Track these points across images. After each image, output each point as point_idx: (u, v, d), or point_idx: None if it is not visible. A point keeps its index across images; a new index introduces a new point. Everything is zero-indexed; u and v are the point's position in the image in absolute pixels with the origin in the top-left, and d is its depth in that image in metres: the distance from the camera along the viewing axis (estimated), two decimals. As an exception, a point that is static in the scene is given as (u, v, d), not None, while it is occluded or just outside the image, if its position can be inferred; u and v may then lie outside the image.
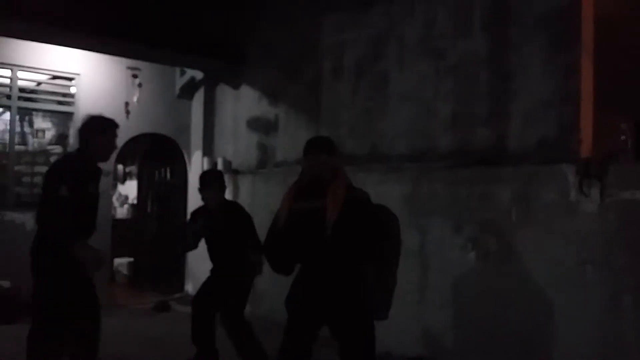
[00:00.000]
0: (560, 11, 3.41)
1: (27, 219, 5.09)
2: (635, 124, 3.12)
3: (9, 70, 5.57)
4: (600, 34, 3.27)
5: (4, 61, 5.49)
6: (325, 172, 2.57)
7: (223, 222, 3.67)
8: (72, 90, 5.97)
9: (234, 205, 3.93)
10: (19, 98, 5.67)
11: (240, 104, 6.14)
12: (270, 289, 3.66)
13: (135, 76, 6.11)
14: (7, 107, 5.69)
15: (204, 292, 3.77)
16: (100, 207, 6.20)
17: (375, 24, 4.56)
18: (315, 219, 2.48)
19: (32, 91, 5.87)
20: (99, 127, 3.07)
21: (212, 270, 3.86)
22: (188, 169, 6.77)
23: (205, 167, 6.38)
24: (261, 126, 5.81)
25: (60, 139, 6.08)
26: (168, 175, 7.11)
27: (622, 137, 3.12)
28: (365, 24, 4.65)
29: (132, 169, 9.04)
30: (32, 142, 5.95)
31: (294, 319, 2.61)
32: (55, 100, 5.96)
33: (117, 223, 7.22)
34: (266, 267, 2.85)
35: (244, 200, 5.35)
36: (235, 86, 6.20)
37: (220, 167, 6.13)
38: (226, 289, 3.68)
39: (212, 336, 3.71)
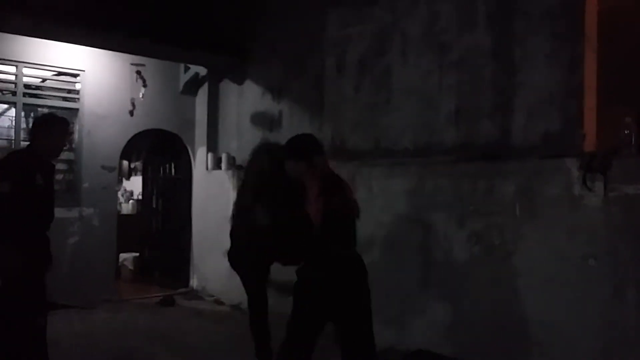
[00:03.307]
0: (564, 4, 3.40)
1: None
2: (639, 117, 3.11)
3: (14, 67, 5.59)
4: (604, 28, 3.26)
5: (9, 58, 5.51)
6: (333, 171, 2.71)
7: None
8: (77, 86, 6.00)
9: None
10: (24, 94, 5.69)
11: (244, 99, 6.15)
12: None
13: (139, 72, 6.12)
14: (13, 104, 5.73)
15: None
16: (105, 203, 6.32)
17: (379, 19, 4.56)
18: (348, 215, 2.66)
19: (37, 87, 5.90)
20: (47, 124, 3.23)
21: None
22: (192, 164, 6.80)
23: (210, 162, 6.41)
24: (265, 122, 5.83)
25: (66, 135, 6.12)
26: (173, 170, 7.15)
27: (626, 131, 3.10)
28: (369, 19, 4.64)
29: (137, 164, 9.08)
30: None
31: (308, 314, 2.59)
32: (60, 96, 5.99)
33: (123, 218, 7.28)
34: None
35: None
36: (239, 82, 6.21)
37: (224, 162, 6.16)
38: None
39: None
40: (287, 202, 2.74)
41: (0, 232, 2.95)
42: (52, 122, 3.24)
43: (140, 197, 8.24)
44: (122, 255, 7.21)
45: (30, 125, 5.91)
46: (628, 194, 2.96)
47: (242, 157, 6.08)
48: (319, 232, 2.53)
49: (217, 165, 6.35)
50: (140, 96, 6.12)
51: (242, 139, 6.17)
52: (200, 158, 6.64)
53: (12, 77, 5.63)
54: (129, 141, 6.34)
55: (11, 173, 3.00)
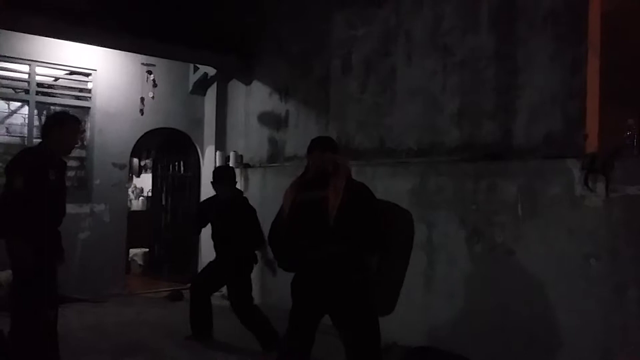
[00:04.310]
0: (567, 7, 3.43)
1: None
2: (641, 119, 3.12)
3: (28, 66, 5.71)
4: (606, 30, 3.27)
5: (23, 57, 5.63)
6: (327, 168, 2.68)
7: (231, 211, 4.12)
8: (89, 85, 6.11)
9: (242, 198, 4.33)
10: (37, 93, 5.80)
11: (252, 99, 6.23)
12: (279, 278, 3.76)
13: (150, 72, 6.23)
14: (26, 102, 5.84)
15: (203, 276, 4.38)
16: (116, 199, 6.43)
17: (384, 21, 4.61)
18: (318, 210, 2.57)
19: (50, 86, 6.01)
20: (59, 122, 3.28)
21: (216, 256, 4.31)
22: (201, 162, 6.90)
23: (218, 160, 6.50)
24: (272, 121, 5.90)
25: (77, 133, 6.24)
26: (182, 168, 7.25)
27: (627, 133, 3.12)
28: (375, 20, 4.69)
29: (147, 162, 9.21)
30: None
31: (298, 308, 2.71)
32: (72, 95, 6.10)
33: (133, 215, 7.39)
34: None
35: (254, 194, 5.46)
36: (247, 82, 6.30)
37: (232, 161, 6.24)
38: (226, 274, 4.17)
39: (209, 317, 4.32)
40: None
41: (14, 227, 3.03)
42: (63, 121, 3.31)
43: (150, 194, 8.36)
44: (132, 251, 7.33)
45: (43, 123, 6.06)
46: (629, 194, 2.98)
47: (250, 156, 6.18)
48: (287, 224, 2.63)
49: (225, 163, 6.43)
50: (150, 95, 6.22)
51: (249, 138, 6.25)
52: (209, 156, 6.73)
53: (26, 76, 5.74)
54: (139, 139, 6.45)
55: (25, 170, 3.08)
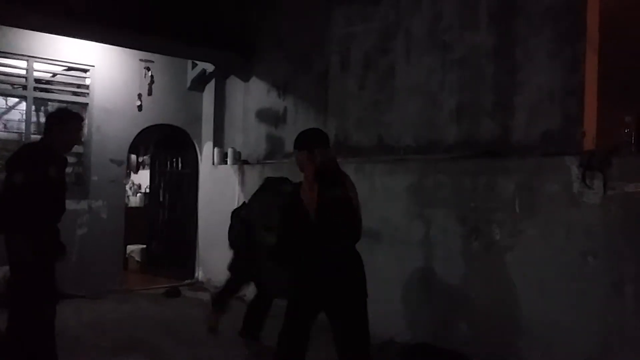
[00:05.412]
0: (567, 5, 3.43)
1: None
2: (639, 117, 3.13)
3: (25, 62, 5.69)
4: (605, 28, 3.28)
5: (21, 52, 5.61)
6: (333, 165, 2.75)
7: None
8: (87, 81, 6.09)
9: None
10: (35, 89, 5.79)
11: (250, 96, 6.22)
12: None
13: (148, 68, 6.21)
14: (23, 98, 5.82)
15: None
16: (114, 196, 6.43)
17: (383, 18, 4.60)
18: (340, 207, 2.66)
19: (48, 82, 5.99)
20: (61, 118, 3.27)
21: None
22: (199, 159, 6.89)
23: (216, 157, 6.50)
24: (270, 118, 5.90)
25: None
26: (180, 164, 7.25)
27: (625, 130, 3.13)
28: (374, 17, 4.69)
29: (145, 158, 9.20)
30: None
31: (301, 300, 2.72)
32: (70, 91, 6.09)
33: (130, 211, 7.39)
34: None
35: (252, 191, 5.43)
36: (245, 78, 6.28)
37: (230, 157, 6.24)
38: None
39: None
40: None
41: (13, 223, 3.03)
42: (67, 118, 3.30)
43: (147, 190, 8.35)
44: (130, 247, 7.32)
45: (43, 119, 6.03)
46: (627, 192, 2.98)
47: (248, 153, 6.18)
48: (314, 220, 2.62)
49: (223, 160, 6.43)
50: (147, 92, 6.21)
51: (247, 134, 6.25)
52: (207, 153, 6.73)
53: (23, 72, 5.73)
54: (137, 136, 6.44)
55: (25, 165, 3.07)
